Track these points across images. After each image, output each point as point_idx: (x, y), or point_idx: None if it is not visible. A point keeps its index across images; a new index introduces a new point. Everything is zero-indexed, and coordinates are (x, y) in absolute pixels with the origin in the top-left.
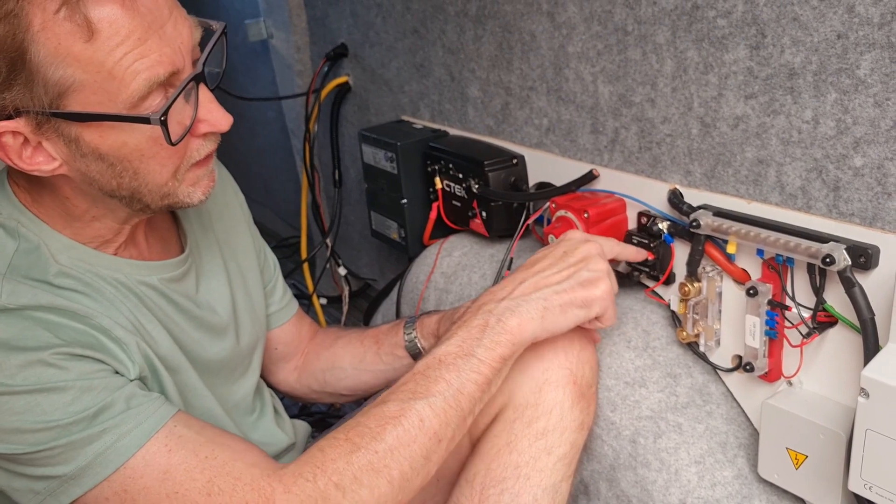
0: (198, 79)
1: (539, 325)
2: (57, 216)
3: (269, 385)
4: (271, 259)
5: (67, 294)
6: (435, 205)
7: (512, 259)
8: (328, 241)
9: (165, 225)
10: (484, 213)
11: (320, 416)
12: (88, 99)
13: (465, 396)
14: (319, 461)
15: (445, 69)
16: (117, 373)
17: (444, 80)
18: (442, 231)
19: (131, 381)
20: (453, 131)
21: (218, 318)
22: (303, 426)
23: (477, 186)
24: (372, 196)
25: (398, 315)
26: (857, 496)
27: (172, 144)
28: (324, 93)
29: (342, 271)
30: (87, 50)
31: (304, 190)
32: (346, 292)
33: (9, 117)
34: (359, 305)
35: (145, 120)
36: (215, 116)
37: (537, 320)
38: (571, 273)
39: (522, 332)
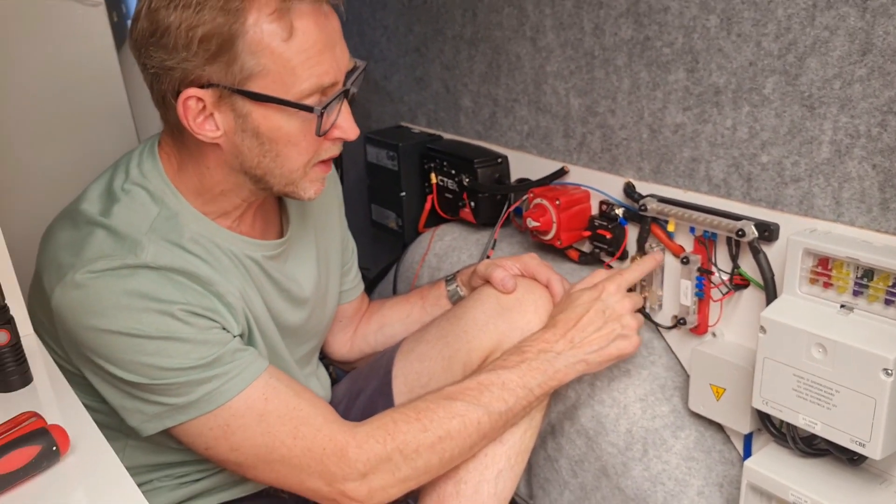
0: (346, 94)
1: (580, 374)
2: (192, 187)
3: (326, 355)
4: (351, 245)
5: (194, 260)
6: (430, 197)
7: (496, 241)
8: None
9: (272, 210)
10: (472, 204)
11: None
12: (268, 85)
13: (513, 414)
14: (391, 430)
15: (442, 83)
16: (224, 329)
17: (441, 91)
18: (433, 221)
19: (235, 336)
20: (446, 135)
21: (302, 292)
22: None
23: (468, 181)
24: (373, 191)
25: (395, 291)
26: (759, 412)
27: (318, 135)
28: None
29: None
30: (282, 47)
31: None
32: None
33: (200, 86)
34: None
35: (309, 109)
36: (349, 126)
37: (581, 372)
38: (608, 334)
39: (566, 380)
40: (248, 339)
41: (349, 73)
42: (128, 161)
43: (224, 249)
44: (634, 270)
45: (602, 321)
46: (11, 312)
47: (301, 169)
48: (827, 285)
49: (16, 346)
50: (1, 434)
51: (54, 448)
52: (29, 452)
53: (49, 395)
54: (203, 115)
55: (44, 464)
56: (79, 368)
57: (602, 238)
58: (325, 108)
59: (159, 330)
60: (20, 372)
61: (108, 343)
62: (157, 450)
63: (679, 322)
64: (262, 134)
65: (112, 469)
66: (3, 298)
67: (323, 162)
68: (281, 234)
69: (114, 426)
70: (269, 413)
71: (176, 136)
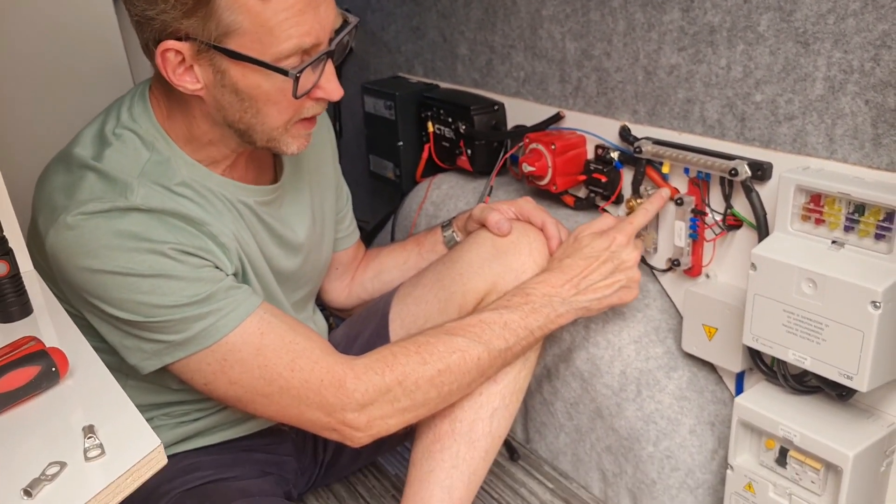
0: (329, 54)
1: (579, 317)
2: (182, 135)
3: (323, 303)
4: (345, 192)
5: (185, 202)
6: (427, 146)
7: (492, 188)
8: None
9: (266, 157)
10: (469, 151)
11: None
12: (245, 44)
13: (512, 353)
14: (390, 362)
15: (438, 31)
16: (217, 268)
17: (437, 41)
18: (430, 170)
19: (228, 275)
20: (443, 85)
21: (296, 238)
22: (323, 326)
23: (464, 128)
24: (371, 141)
25: (393, 240)
26: (750, 351)
27: (295, 98)
28: None
29: None
30: (259, 6)
31: None
32: None
33: (179, 39)
34: None
35: (284, 72)
36: (332, 87)
37: (580, 316)
38: (613, 283)
39: (565, 323)
40: (242, 280)
41: (339, 31)
42: (119, 106)
43: (216, 193)
44: (641, 215)
45: (609, 271)
46: (11, 246)
47: (282, 126)
48: (819, 222)
49: (15, 276)
50: (1, 356)
51: (53, 369)
52: (28, 373)
53: (48, 325)
54: (182, 67)
55: (43, 384)
56: (78, 309)
57: (597, 182)
58: (300, 72)
59: (152, 268)
60: (20, 303)
61: (102, 283)
62: (157, 390)
63: (674, 264)
64: (242, 91)
65: (111, 390)
66: (2, 230)
67: (306, 119)
68: (275, 181)
69: (114, 366)
70: (266, 347)
71: (164, 83)
